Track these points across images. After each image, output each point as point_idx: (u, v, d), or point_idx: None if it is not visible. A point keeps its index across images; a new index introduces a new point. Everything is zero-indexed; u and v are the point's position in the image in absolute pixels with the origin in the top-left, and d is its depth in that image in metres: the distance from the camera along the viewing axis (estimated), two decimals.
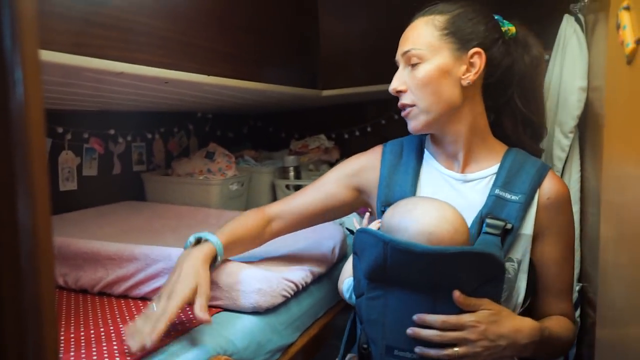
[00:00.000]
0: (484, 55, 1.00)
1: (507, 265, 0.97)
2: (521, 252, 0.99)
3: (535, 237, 1.01)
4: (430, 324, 0.89)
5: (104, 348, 0.92)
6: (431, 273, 0.89)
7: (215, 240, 1.05)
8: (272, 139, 2.90)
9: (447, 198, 1.02)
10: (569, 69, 1.24)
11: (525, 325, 0.92)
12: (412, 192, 1.08)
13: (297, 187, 2.24)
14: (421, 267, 0.89)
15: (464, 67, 1.01)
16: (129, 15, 1.13)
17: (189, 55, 1.33)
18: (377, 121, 2.71)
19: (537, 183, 1.01)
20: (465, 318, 0.88)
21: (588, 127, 1.26)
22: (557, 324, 1.01)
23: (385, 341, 0.94)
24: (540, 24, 1.14)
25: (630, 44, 0.61)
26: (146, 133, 2.17)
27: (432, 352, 0.88)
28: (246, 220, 1.19)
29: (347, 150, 2.71)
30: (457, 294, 0.88)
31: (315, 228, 1.65)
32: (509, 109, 1.10)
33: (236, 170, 2.18)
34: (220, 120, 2.66)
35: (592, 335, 0.93)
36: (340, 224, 1.92)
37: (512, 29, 1.08)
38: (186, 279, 0.96)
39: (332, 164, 2.60)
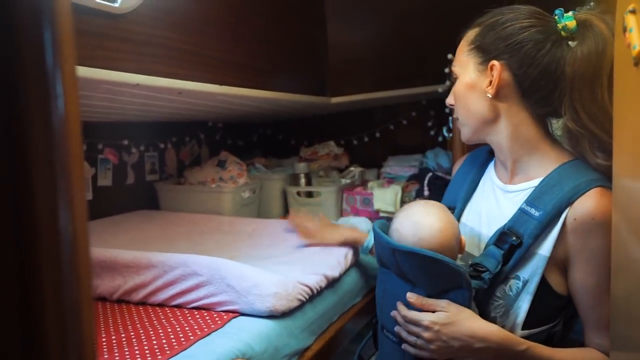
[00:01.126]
0: (499, 67, 0.97)
1: (512, 282, 0.95)
2: (530, 271, 0.94)
3: (566, 263, 0.94)
4: (399, 312, 0.98)
5: (126, 352, 0.95)
6: (398, 267, 0.97)
7: (371, 237, 1.21)
8: (282, 147, 2.93)
9: (487, 207, 1.08)
10: None
11: (482, 331, 0.92)
12: (463, 199, 1.14)
13: (308, 194, 2.26)
14: (390, 259, 0.98)
15: (487, 80, 1.00)
16: (144, 28, 1.16)
17: (202, 65, 1.36)
18: (385, 127, 2.73)
19: (567, 201, 0.91)
20: (423, 316, 0.94)
21: None
22: (574, 353, 0.94)
23: (381, 320, 1.06)
24: None
25: (637, 47, 0.62)
26: (158, 143, 2.20)
27: (403, 334, 0.98)
28: None
29: (356, 156, 2.74)
30: (409, 294, 0.96)
31: None
32: (568, 116, 0.95)
33: (248, 178, 2.20)
34: (231, 129, 2.69)
35: None
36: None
37: (571, 23, 0.94)
38: (327, 228, 1.55)
39: (341, 170, 2.62)
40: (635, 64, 0.65)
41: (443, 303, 0.93)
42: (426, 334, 0.93)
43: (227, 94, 1.48)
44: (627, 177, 0.72)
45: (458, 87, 1.05)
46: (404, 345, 0.98)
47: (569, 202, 0.91)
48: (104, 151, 1.91)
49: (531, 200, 0.96)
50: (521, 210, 0.97)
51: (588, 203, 0.90)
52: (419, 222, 0.98)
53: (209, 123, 2.48)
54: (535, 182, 0.99)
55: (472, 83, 1.02)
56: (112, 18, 1.07)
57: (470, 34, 1.04)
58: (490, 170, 1.14)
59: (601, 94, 0.91)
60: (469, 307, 0.94)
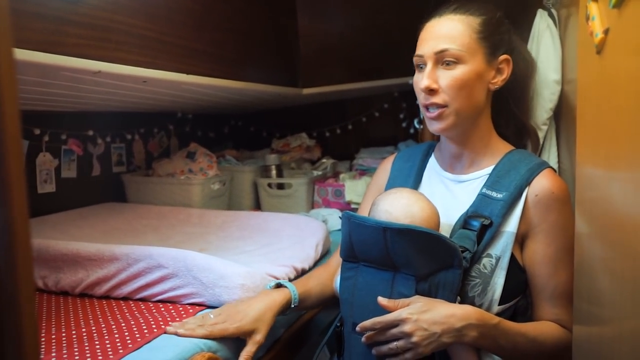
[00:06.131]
0: (511, 62, 1.06)
1: (485, 260, 0.99)
2: (501, 248, 0.99)
3: (525, 236, 1.02)
4: (371, 326, 0.94)
5: (86, 347, 0.92)
6: (386, 250, 0.96)
7: (292, 288, 1.11)
8: (253, 139, 2.90)
9: (440, 198, 1.10)
10: (543, 62, 1.26)
11: (460, 309, 0.92)
12: None
13: (279, 186, 2.25)
14: (376, 242, 0.96)
15: (492, 73, 1.05)
16: (106, 14, 1.13)
17: (167, 54, 1.32)
18: (357, 119, 2.72)
19: (526, 181, 1.01)
20: (399, 311, 0.92)
21: (564, 120, 1.28)
22: (534, 326, 0.99)
23: (352, 319, 1.01)
24: (514, 20, 1.15)
25: (599, 34, 0.63)
26: (125, 134, 2.15)
27: (383, 349, 0.94)
28: (318, 274, 1.24)
29: (329, 148, 2.73)
30: (379, 298, 0.94)
31: (298, 225, 1.67)
32: (503, 108, 1.14)
33: (218, 170, 2.17)
34: (201, 120, 2.65)
35: None
36: (324, 221, 1.93)
37: None
38: (250, 318, 1.00)
39: (313, 162, 2.61)
40: (597, 52, 0.65)
41: (414, 298, 0.94)
42: (407, 327, 0.90)
43: (193, 83, 1.45)
44: (589, 164, 0.72)
45: (465, 73, 1.01)
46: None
47: (528, 182, 1.02)
48: (68, 142, 1.85)
49: (490, 185, 1.04)
50: (482, 195, 1.03)
51: (544, 181, 1.01)
52: (411, 205, 1.00)
53: (178, 114, 2.43)
54: (487, 170, 1.07)
55: (481, 72, 1.03)
56: (70, 2, 1.03)
57: (475, 21, 1.03)
58: (432, 165, 1.18)
59: (529, 90, 1.20)
60: (458, 287, 0.95)
